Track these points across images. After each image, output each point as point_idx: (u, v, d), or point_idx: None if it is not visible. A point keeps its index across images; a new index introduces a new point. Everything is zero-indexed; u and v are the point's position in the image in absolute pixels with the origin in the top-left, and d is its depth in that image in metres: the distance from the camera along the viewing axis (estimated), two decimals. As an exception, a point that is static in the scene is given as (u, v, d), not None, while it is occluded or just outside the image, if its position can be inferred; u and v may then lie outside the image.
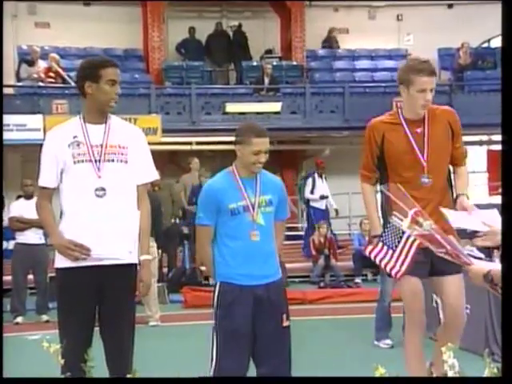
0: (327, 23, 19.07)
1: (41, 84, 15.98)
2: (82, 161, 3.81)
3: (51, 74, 16.04)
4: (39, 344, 2.87)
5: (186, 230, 13.93)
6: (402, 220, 3.36)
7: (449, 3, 19.38)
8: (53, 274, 4.03)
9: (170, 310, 10.09)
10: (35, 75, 16.04)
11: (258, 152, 4.17)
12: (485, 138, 16.68)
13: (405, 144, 4.36)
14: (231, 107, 16.29)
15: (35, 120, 14.79)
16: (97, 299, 3.81)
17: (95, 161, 3.81)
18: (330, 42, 19.14)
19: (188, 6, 18.73)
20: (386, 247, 3.54)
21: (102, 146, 3.83)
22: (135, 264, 3.86)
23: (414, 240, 3.38)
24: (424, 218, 3.30)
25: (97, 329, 3.88)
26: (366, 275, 13.20)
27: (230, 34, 18.67)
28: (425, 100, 4.27)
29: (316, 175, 14.62)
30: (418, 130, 4.36)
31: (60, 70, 16.10)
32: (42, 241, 9.64)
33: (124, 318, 3.86)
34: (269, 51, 18.99)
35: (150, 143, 4.10)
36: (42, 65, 16.20)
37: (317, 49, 19.24)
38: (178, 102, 16.46)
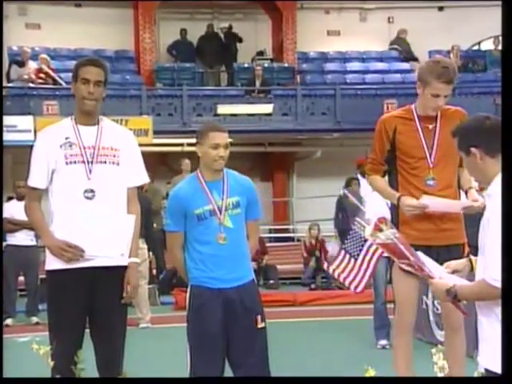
0: (318, 25, 19.09)
1: (31, 85, 15.94)
2: (75, 162, 3.80)
3: (42, 75, 16.01)
4: (29, 346, 2.86)
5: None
6: (364, 227, 3.34)
7: (439, 6, 19.44)
8: (43, 276, 4.02)
9: (161, 312, 10.07)
10: (25, 76, 16.01)
11: (217, 146, 4.11)
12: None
13: (414, 138, 4.38)
14: (222, 109, 16.29)
15: (26, 121, 14.76)
16: (87, 301, 3.80)
17: (87, 162, 3.81)
18: (398, 43, 18.85)
19: (179, 7, 18.72)
20: (348, 256, 3.53)
21: (94, 147, 3.83)
22: (126, 266, 3.85)
23: (376, 250, 3.37)
24: (388, 225, 3.27)
25: (87, 331, 3.87)
26: (356, 277, 13.20)
27: (222, 35, 18.66)
28: (436, 104, 4.29)
29: (359, 176, 14.49)
30: (430, 126, 4.38)
31: (50, 71, 16.07)
32: (34, 242, 9.61)
33: (115, 320, 3.85)
34: (260, 53, 19.00)
35: (140, 145, 4.10)
36: (32, 66, 16.17)
37: (308, 51, 19.26)
38: (170, 103, 16.45)
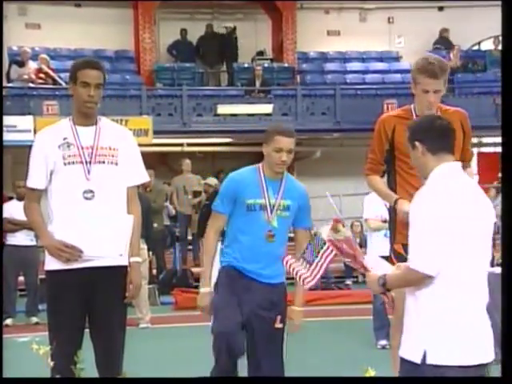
0: (318, 25, 19.10)
1: (31, 85, 15.94)
2: (73, 162, 3.80)
3: (41, 75, 16.01)
4: (28, 346, 2.86)
5: (177, 232, 13.94)
6: (323, 232, 3.43)
7: (439, 6, 19.44)
8: (43, 276, 4.01)
9: (161, 312, 10.07)
10: (25, 76, 16.01)
11: (280, 150, 4.20)
12: (475, 140, 16.75)
13: None
14: (222, 109, 16.29)
15: (26, 121, 14.76)
16: (87, 301, 3.80)
17: (86, 162, 3.81)
18: (442, 42, 18.73)
19: (179, 7, 18.72)
20: (304, 263, 3.56)
21: (92, 147, 3.83)
22: (125, 266, 3.85)
23: (330, 253, 3.41)
24: (344, 227, 3.35)
25: (87, 331, 3.87)
26: (356, 277, 13.20)
27: (223, 34, 18.62)
28: (427, 100, 4.27)
29: None
30: None
31: (50, 71, 16.07)
32: (33, 242, 9.61)
33: (114, 320, 3.85)
34: (260, 53, 19.01)
35: (140, 145, 4.10)
36: (32, 66, 16.17)
37: (308, 51, 19.26)
38: (169, 103, 16.45)
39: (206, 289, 4.34)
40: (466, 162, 4.48)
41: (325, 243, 3.42)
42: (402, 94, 15.90)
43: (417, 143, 3.12)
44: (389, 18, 19.58)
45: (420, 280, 2.94)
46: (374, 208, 7.25)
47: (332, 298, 10.89)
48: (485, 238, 3.06)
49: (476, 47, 19.41)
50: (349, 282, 13.03)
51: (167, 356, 7.27)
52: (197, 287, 11.88)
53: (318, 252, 3.46)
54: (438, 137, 3.11)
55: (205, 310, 4.31)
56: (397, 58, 19.36)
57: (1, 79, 13.41)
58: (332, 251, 3.41)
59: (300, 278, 3.55)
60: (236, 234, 4.27)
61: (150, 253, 10.20)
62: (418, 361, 2.94)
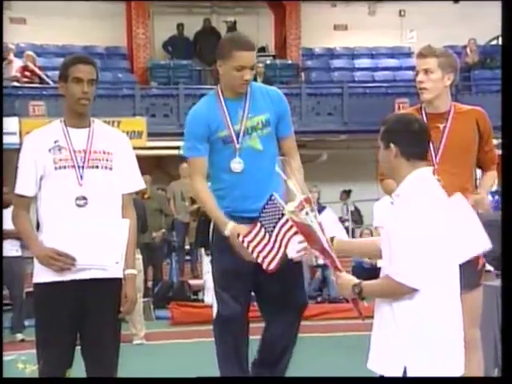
0: (324, 19, 19.14)
1: (16, 84, 15.95)
2: (64, 167, 3.80)
3: (27, 74, 16.02)
4: (14, 365, 2.86)
5: (174, 242, 13.93)
6: (285, 202, 3.38)
7: (455, -2, 19.49)
8: (30, 289, 4.00)
9: (156, 328, 10.06)
10: (10, 75, 16.02)
11: (241, 68, 3.97)
12: (495, 141, 16.72)
13: None
14: (222, 109, 16.31)
15: (10, 123, 14.76)
16: (78, 316, 3.79)
17: (78, 167, 3.81)
18: None
19: (176, 0, 18.77)
20: (263, 230, 3.50)
21: (85, 151, 3.83)
22: (120, 279, 3.85)
23: (290, 228, 3.38)
24: (312, 208, 3.32)
25: (78, 348, 3.87)
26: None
27: (223, 30, 18.66)
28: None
29: None
30: (440, 126, 4.35)
31: (36, 69, 16.09)
32: (19, 253, 9.60)
33: (107, 336, 3.85)
34: (262, 49, 19.02)
35: (134, 148, 4.09)
36: (17, 63, 16.19)
37: (313, 46, 19.30)
38: (165, 103, 16.48)
39: (231, 223, 3.94)
40: (485, 166, 4.47)
41: (283, 215, 3.39)
42: (415, 92, 15.85)
43: (392, 145, 3.17)
44: (400, 11, 19.62)
45: (405, 293, 3.02)
46: (385, 215, 7.24)
47: (339, 312, 10.84)
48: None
49: (494, 42, 19.41)
50: (358, 294, 13.00)
51: (163, 375, 7.26)
52: (195, 300, 11.90)
53: (276, 222, 3.43)
54: (414, 142, 3.18)
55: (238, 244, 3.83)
56: (409, 54, 19.36)
57: (1, 79, 13.41)
58: (291, 228, 3.38)
59: (259, 258, 3.52)
60: (219, 173, 4.06)
61: (144, 262, 10.19)
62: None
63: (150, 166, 15.18)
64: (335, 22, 19.54)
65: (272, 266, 3.54)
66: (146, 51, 18.47)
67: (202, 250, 11.52)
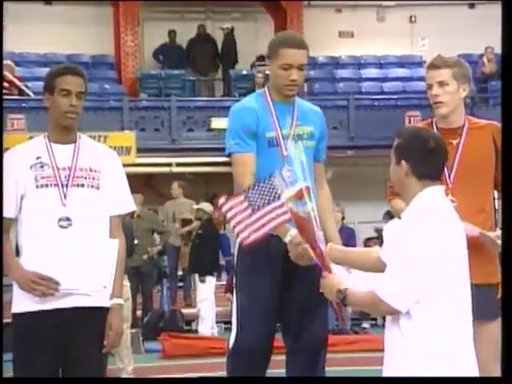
0: (329, 26, 19.23)
1: (-7, 96, 16.00)
2: (47, 185, 3.79)
3: (5, 85, 16.06)
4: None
5: (165, 267, 13.90)
6: (286, 186, 3.39)
7: (470, 2, 19.57)
8: (8, 321, 3.99)
9: (146, 361, 10.03)
10: (-13, 86, 16.08)
11: (288, 66, 4.00)
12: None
13: None
14: (217, 123, 16.33)
15: (-14, 138, 14.79)
16: (61, 349, 3.77)
17: (62, 185, 3.80)
18: None
19: (167, 5, 18.85)
20: (246, 203, 3.47)
21: (70, 168, 3.83)
22: (106, 308, 3.83)
23: (283, 213, 3.38)
24: (310, 198, 3.34)
25: None
26: (375, 319, 13.17)
27: (219, 37, 18.74)
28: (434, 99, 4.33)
29: None
30: (454, 142, 4.35)
31: (16, 80, 16.13)
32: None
33: (92, 371, 3.83)
34: (261, 58, 19.08)
35: (122, 165, 4.10)
36: (-6, 74, 16.25)
37: (317, 55, 19.37)
38: (156, 116, 16.52)
39: (293, 230, 3.73)
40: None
41: (279, 197, 3.39)
42: (427, 104, 15.93)
43: (403, 162, 3.20)
44: (411, 17, 19.73)
45: (386, 312, 3.13)
46: (392, 229, 7.24)
47: (347, 344, 10.83)
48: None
49: (513, 50, 19.52)
50: (366, 324, 12.98)
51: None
52: (188, 331, 11.87)
53: (268, 202, 3.41)
54: (427, 161, 3.20)
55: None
56: (420, 64, 19.44)
57: (1, 81, 13.43)
58: (285, 213, 3.39)
59: (235, 229, 3.49)
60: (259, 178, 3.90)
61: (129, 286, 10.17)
62: None
63: (140, 184, 15.20)
64: (340, 29, 19.64)
65: (246, 242, 3.53)
66: (135, 60, 18.54)
67: (197, 276, 11.51)
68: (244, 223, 3.45)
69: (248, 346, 4.08)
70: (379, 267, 3.27)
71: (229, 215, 3.48)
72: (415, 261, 3.03)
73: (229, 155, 4.15)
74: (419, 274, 3.03)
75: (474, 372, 3.15)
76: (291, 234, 3.78)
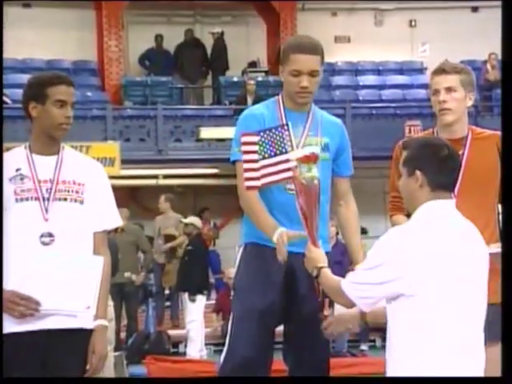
0: (324, 30, 19.25)
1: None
2: (27, 198, 3.78)
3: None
4: None
5: (151, 286, 13.86)
6: (296, 147, 3.55)
7: (473, 6, 19.65)
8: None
9: (130, 386, 10.01)
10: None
11: (298, 73, 4.02)
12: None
13: None
14: (206, 132, 16.37)
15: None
16: (40, 374, 3.76)
17: (43, 199, 3.80)
18: None
19: (153, 8, 18.86)
20: (256, 147, 3.56)
21: (52, 181, 3.83)
22: (89, 330, 3.81)
23: (287, 170, 3.47)
24: (316, 167, 3.46)
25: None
26: (373, 341, 13.17)
27: (209, 42, 18.77)
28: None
29: None
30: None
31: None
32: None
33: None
34: (253, 64, 19.15)
35: (107, 177, 4.10)
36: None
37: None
38: (141, 125, 16.53)
39: (281, 229, 3.82)
40: None
41: (286, 151, 3.48)
42: (428, 113, 16.03)
43: (418, 173, 3.19)
44: (411, 21, 19.80)
45: (343, 302, 3.29)
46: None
47: (344, 368, 10.83)
48: (475, 290, 3.20)
49: (518, 56, 19.61)
50: (364, 347, 12.98)
51: None
52: (175, 354, 11.83)
53: (275, 153, 3.49)
54: (443, 170, 3.19)
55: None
56: (420, 70, 19.54)
57: (1, 83, 13.40)
58: (288, 170, 3.49)
59: (246, 177, 3.59)
60: (264, 190, 3.89)
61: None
62: None
63: (124, 198, 15.18)
64: (336, 34, 19.69)
65: (252, 185, 3.61)
66: (120, 66, 18.55)
67: (186, 294, 11.44)
68: (249, 165, 3.55)
69: (241, 356, 4.07)
70: None
71: (243, 148, 3.60)
72: (382, 263, 3.08)
73: (233, 163, 4.20)
74: (382, 276, 3.08)
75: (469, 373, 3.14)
76: (278, 233, 3.83)
